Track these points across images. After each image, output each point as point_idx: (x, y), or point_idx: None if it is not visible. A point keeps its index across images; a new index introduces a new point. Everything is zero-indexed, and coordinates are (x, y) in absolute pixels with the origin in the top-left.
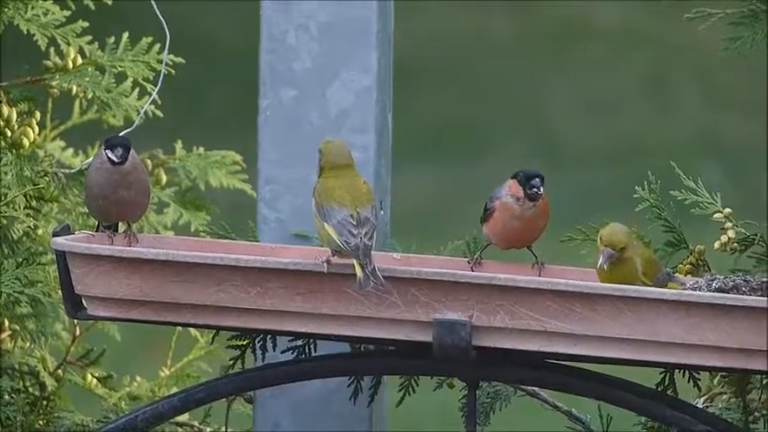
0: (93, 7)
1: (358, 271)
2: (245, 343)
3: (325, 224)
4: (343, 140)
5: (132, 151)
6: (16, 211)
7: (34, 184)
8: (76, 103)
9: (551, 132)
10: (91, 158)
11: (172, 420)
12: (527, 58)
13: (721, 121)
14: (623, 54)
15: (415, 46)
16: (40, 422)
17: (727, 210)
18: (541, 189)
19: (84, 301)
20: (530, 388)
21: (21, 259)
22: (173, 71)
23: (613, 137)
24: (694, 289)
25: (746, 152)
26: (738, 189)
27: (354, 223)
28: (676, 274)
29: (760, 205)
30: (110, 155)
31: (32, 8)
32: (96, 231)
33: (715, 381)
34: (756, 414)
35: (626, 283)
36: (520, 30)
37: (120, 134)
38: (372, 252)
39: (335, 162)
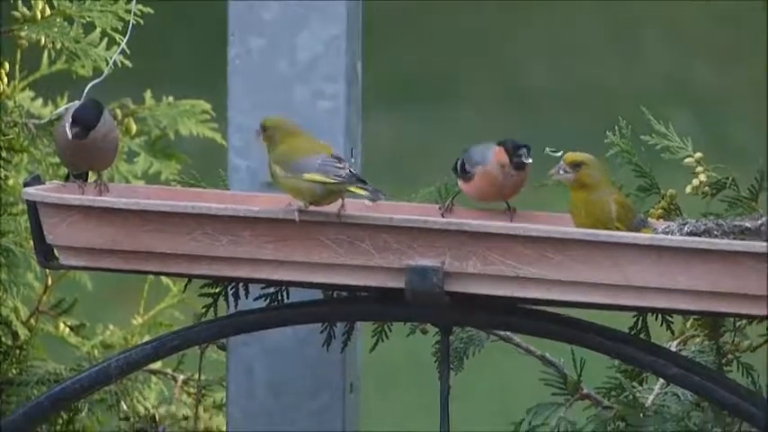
0: None
1: (360, 192)
2: (217, 291)
3: (305, 175)
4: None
5: (106, 113)
6: None
7: (4, 135)
8: (45, 53)
9: (520, 79)
10: (61, 109)
11: (145, 368)
12: (495, 6)
13: (690, 68)
14: (592, 1)
15: None
16: (13, 371)
17: (698, 154)
18: (529, 159)
19: (55, 250)
20: (503, 333)
21: None
22: (141, 21)
23: (582, 83)
24: (666, 233)
25: (716, 98)
26: (708, 135)
27: (336, 161)
28: (650, 220)
29: (729, 151)
30: (67, 128)
31: None
32: (66, 181)
33: (688, 324)
34: (729, 356)
35: (601, 226)
36: None
37: (90, 84)
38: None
39: (290, 129)
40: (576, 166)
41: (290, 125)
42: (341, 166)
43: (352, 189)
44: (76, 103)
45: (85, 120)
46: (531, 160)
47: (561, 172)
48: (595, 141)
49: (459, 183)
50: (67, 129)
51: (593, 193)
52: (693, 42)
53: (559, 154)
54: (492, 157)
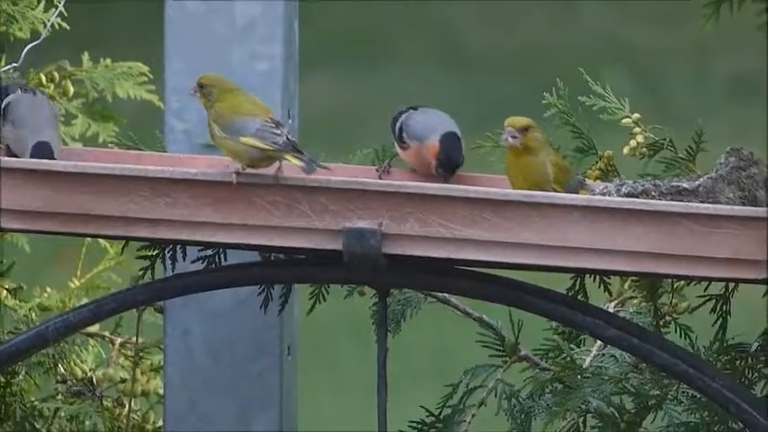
0: None
1: (295, 162)
2: (154, 253)
3: (242, 138)
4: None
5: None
6: None
7: None
8: None
9: (455, 39)
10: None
11: (83, 331)
12: None
13: (629, 29)
14: None
15: None
16: None
17: (636, 115)
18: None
19: None
20: (441, 295)
21: None
22: None
23: (519, 43)
24: (604, 194)
25: (654, 59)
26: (646, 95)
27: (273, 126)
28: (587, 181)
29: (667, 112)
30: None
31: None
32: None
33: (626, 285)
34: (667, 318)
35: (537, 189)
36: None
37: (27, 47)
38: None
39: (228, 86)
40: (524, 130)
41: (228, 83)
42: (278, 132)
43: (288, 158)
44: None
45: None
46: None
47: (510, 138)
48: (534, 102)
49: (396, 146)
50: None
51: (531, 156)
52: (632, 3)
53: None
54: (428, 144)
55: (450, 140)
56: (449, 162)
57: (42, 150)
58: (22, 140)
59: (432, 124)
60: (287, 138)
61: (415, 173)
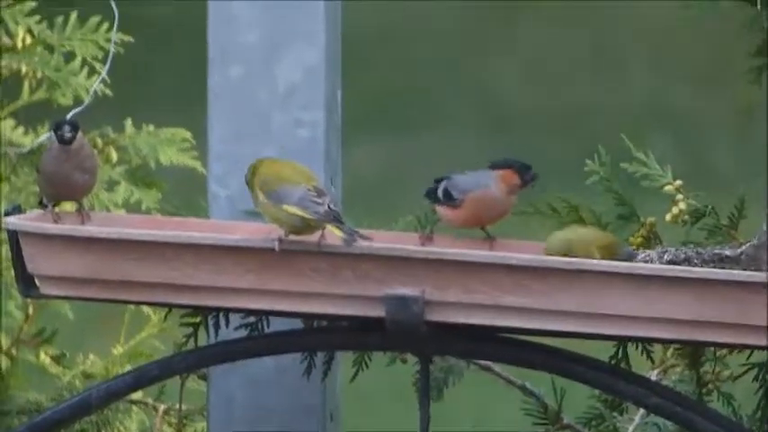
0: None
1: (337, 233)
2: (197, 320)
3: (284, 206)
4: None
5: (80, 134)
6: None
7: None
8: (26, 82)
9: (498, 102)
10: (42, 138)
11: (126, 398)
12: (472, 29)
13: (670, 90)
14: (569, 23)
15: (362, 19)
16: None
17: (678, 182)
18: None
19: (36, 280)
20: (483, 362)
21: None
22: (121, 49)
23: (561, 106)
24: (646, 261)
25: (695, 122)
26: (689, 159)
27: (316, 195)
28: (637, 252)
29: (710, 177)
30: (59, 134)
31: None
32: (39, 206)
33: (668, 353)
34: (710, 386)
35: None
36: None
37: (71, 113)
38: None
39: (268, 158)
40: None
41: (266, 157)
42: (320, 201)
43: (330, 228)
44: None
45: (68, 120)
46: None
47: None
48: (577, 166)
49: (441, 210)
50: (59, 134)
51: None
52: (675, 65)
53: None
54: (494, 181)
55: (504, 160)
56: (525, 166)
57: (61, 119)
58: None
59: (480, 174)
60: (329, 207)
61: (461, 240)
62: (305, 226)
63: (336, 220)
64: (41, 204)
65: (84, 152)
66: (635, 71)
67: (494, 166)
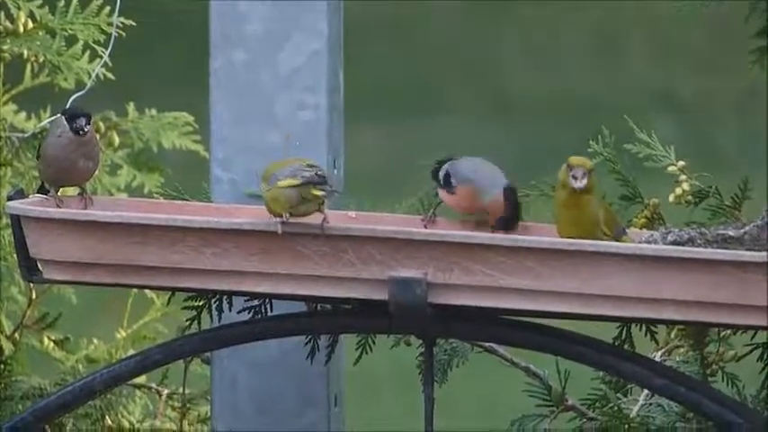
0: None
1: (318, 192)
2: (201, 304)
3: (279, 182)
4: None
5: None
6: None
7: None
8: (28, 66)
9: (501, 88)
10: (44, 122)
11: (129, 382)
12: (476, 16)
13: (673, 76)
14: (572, 8)
15: (365, 4)
16: None
17: (681, 162)
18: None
19: (39, 264)
20: (487, 344)
21: None
22: (123, 33)
23: (564, 92)
24: (649, 242)
25: (698, 106)
26: (692, 143)
27: (306, 167)
28: (628, 230)
29: (712, 159)
30: (74, 126)
31: None
32: (40, 192)
33: (672, 334)
34: (714, 367)
35: (587, 234)
36: None
37: (73, 97)
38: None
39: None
40: (589, 171)
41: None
42: (309, 170)
43: (312, 190)
44: (59, 116)
45: (84, 111)
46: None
47: (585, 180)
48: (580, 151)
49: (441, 192)
50: (74, 126)
51: (585, 198)
52: (676, 50)
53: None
54: (489, 199)
55: (512, 197)
56: (512, 220)
57: (74, 108)
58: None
59: (484, 172)
60: (316, 174)
61: (464, 223)
62: (301, 201)
63: (321, 182)
64: (42, 190)
65: (92, 141)
66: (637, 55)
67: (505, 188)
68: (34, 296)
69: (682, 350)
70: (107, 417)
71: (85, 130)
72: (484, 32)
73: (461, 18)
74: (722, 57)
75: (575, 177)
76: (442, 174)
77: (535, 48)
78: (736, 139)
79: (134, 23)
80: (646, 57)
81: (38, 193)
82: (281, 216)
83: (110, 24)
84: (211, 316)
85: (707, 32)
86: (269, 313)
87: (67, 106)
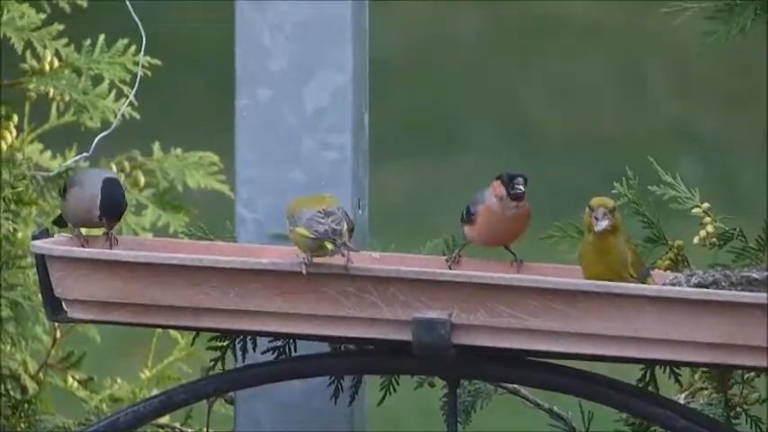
0: (68, 10)
1: (329, 245)
2: (225, 344)
3: (297, 228)
4: None
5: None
6: None
7: (13, 188)
8: (54, 105)
9: (525, 127)
10: (69, 162)
11: (153, 422)
12: (499, 53)
13: (697, 113)
14: (596, 48)
15: (388, 43)
16: (22, 425)
17: (706, 204)
18: (523, 188)
19: (63, 303)
20: (510, 385)
21: (0, 263)
22: (149, 73)
23: (588, 130)
24: (674, 284)
25: (723, 144)
26: (716, 184)
27: (322, 216)
28: (657, 271)
29: (737, 199)
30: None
31: (8, 11)
32: (55, 223)
33: (696, 376)
34: (738, 409)
35: (614, 276)
36: (491, 25)
37: (98, 137)
38: (345, 236)
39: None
40: (612, 210)
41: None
42: (323, 221)
43: (326, 243)
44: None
45: (119, 209)
46: (522, 188)
47: (606, 221)
48: (604, 190)
49: (466, 229)
50: (96, 212)
51: (612, 239)
52: (700, 88)
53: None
54: (490, 191)
55: (504, 172)
56: (511, 176)
57: (112, 185)
58: (89, 188)
59: (484, 190)
60: (330, 226)
61: (489, 263)
62: (317, 246)
63: (333, 234)
64: (58, 222)
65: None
66: (662, 95)
67: (496, 178)
68: (59, 335)
69: (705, 392)
70: None
71: (106, 224)
72: (509, 70)
73: (486, 55)
74: (748, 96)
75: (596, 218)
76: (464, 211)
77: (558, 87)
78: (762, 180)
79: (159, 62)
80: (669, 93)
81: (53, 223)
82: (306, 255)
83: (135, 63)
84: (235, 356)
85: (732, 72)
86: (293, 353)
87: (92, 146)
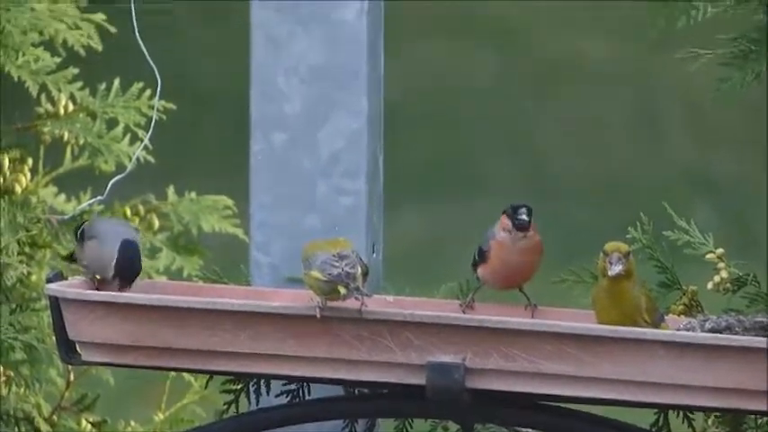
0: (83, 54)
1: (342, 289)
2: (239, 387)
3: (310, 271)
4: None
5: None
6: (9, 257)
7: (27, 231)
8: (68, 149)
9: (540, 171)
10: (84, 205)
11: None
12: (514, 96)
13: (711, 158)
14: (611, 92)
15: (402, 86)
16: None
17: (720, 250)
18: (528, 218)
19: (77, 346)
20: (524, 430)
21: (14, 305)
22: (164, 116)
23: (603, 174)
24: (688, 329)
25: (737, 189)
26: (729, 226)
27: (336, 259)
28: (671, 316)
29: (751, 243)
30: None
31: (23, 55)
32: (66, 260)
33: (710, 421)
34: None
35: (627, 321)
36: (506, 68)
37: (113, 180)
38: (358, 279)
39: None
40: (626, 255)
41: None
42: (337, 264)
43: (338, 287)
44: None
45: (133, 274)
46: (530, 220)
47: (620, 265)
48: (618, 235)
49: (479, 270)
50: (111, 273)
51: (626, 283)
52: (715, 132)
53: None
54: (498, 226)
55: (510, 205)
56: (515, 207)
57: (129, 248)
58: (107, 245)
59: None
60: (343, 269)
61: (503, 307)
62: (331, 290)
63: (347, 278)
64: (68, 259)
65: None
66: (677, 139)
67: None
68: (72, 378)
69: None
70: None
71: (120, 286)
72: (524, 113)
73: (501, 98)
74: (762, 137)
75: (610, 263)
76: (476, 253)
77: (574, 130)
78: None
79: (174, 107)
80: (685, 137)
81: (64, 258)
82: (320, 299)
83: (150, 107)
84: (249, 399)
85: (746, 113)
86: (307, 397)
87: (107, 189)
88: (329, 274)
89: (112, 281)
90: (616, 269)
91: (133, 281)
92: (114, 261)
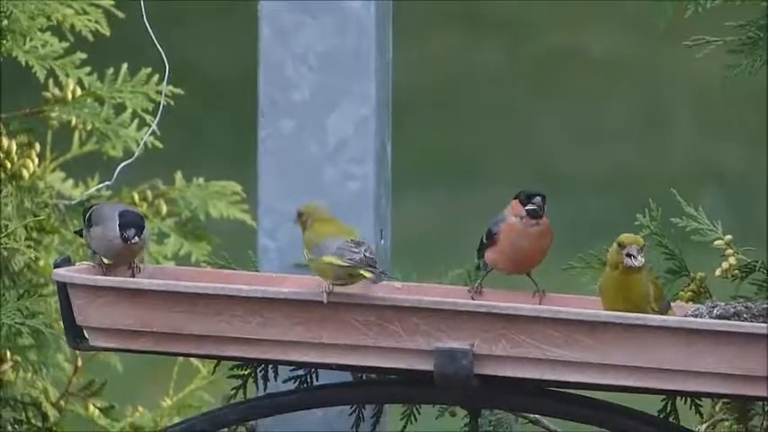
0: (91, 39)
1: (367, 274)
2: (246, 372)
3: (324, 257)
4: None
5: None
6: (17, 242)
7: (35, 216)
8: (76, 134)
9: (547, 160)
10: (91, 190)
11: None
12: (520, 87)
13: (718, 149)
14: (617, 82)
15: (410, 75)
16: None
17: (728, 237)
18: (542, 206)
19: (85, 331)
20: (532, 415)
21: (22, 291)
22: (172, 102)
23: (609, 164)
24: (695, 316)
25: (744, 179)
26: (737, 216)
27: (353, 245)
28: (678, 302)
29: (759, 232)
30: (125, 235)
31: (31, 40)
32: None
33: (717, 407)
34: None
35: (635, 309)
36: (512, 59)
37: (120, 166)
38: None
39: (323, 216)
40: (643, 248)
41: (323, 212)
42: (356, 250)
43: (362, 272)
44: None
45: (136, 221)
46: (544, 208)
47: (641, 258)
48: (625, 224)
49: (487, 253)
50: (124, 234)
51: (637, 275)
52: (722, 123)
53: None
54: (509, 211)
55: (522, 190)
56: (529, 194)
57: (128, 210)
58: (110, 224)
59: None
60: (364, 255)
61: (511, 294)
62: (345, 275)
63: (369, 264)
64: (79, 233)
65: (139, 244)
66: (684, 129)
67: (514, 197)
68: (80, 363)
69: (726, 423)
70: None
71: (134, 240)
72: (529, 103)
73: (507, 90)
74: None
75: (629, 255)
76: (483, 236)
77: (580, 121)
78: None
79: (182, 92)
80: (692, 128)
81: (75, 232)
82: (326, 284)
83: (158, 93)
84: (257, 385)
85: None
86: (314, 382)
87: (115, 175)
88: (350, 259)
89: (124, 242)
90: (638, 261)
91: (141, 229)
92: (117, 224)
